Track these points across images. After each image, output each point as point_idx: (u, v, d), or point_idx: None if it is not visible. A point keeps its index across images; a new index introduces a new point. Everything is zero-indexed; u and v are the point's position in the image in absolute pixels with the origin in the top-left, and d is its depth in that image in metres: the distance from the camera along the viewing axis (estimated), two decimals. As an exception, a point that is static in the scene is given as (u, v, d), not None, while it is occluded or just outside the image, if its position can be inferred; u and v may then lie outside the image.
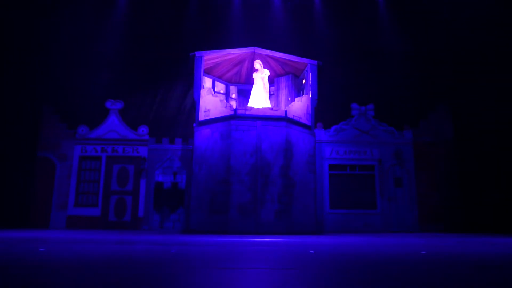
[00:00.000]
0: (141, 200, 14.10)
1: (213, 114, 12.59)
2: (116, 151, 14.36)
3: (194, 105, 13.53)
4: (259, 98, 13.38)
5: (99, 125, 14.51)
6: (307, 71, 13.79)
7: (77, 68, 15.51)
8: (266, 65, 14.32)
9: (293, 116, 12.77)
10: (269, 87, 15.06)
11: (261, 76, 13.63)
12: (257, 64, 13.67)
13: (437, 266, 4.38)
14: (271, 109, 13.20)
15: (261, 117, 12.33)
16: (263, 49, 13.48)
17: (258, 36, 16.83)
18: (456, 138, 14.61)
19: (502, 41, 14.13)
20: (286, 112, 12.57)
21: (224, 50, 13.58)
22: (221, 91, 14.79)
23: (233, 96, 15.14)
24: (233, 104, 14.67)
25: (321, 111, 13.89)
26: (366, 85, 15.81)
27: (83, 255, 5.34)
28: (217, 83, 14.67)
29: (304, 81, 14.29)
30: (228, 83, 14.91)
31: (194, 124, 12.86)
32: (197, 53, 12.99)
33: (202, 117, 12.80)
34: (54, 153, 14.25)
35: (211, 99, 12.82)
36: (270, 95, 15.08)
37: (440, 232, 13.36)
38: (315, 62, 13.54)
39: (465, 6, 14.85)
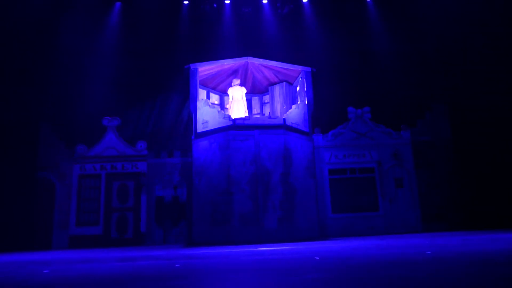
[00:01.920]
0: (143, 215, 14.05)
1: (211, 125, 12.60)
2: (115, 168, 14.34)
3: (191, 117, 13.56)
4: (241, 113, 13.44)
5: (97, 143, 14.49)
6: (301, 78, 13.87)
7: (73, 86, 15.58)
8: (259, 74, 14.39)
9: (291, 123, 12.81)
10: (263, 95, 15.16)
11: (241, 94, 13.81)
12: (236, 81, 13.87)
13: (445, 265, 4.37)
14: (269, 117, 13.28)
15: (260, 126, 12.36)
16: (256, 59, 13.56)
17: (251, 45, 16.95)
18: (454, 136, 14.66)
19: (499, 39, 14.27)
20: (284, 120, 12.62)
21: (218, 61, 13.65)
22: (216, 102, 14.83)
23: (228, 106, 15.19)
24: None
25: (318, 116, 13.94)
26: (362, 87, 15.90)
27: (88, 274, 5.31)
28: (211, 94, 14.71)
29: (298, 88, 14.37)
30: (222, 93, 14.95)
31: (192, 136, 12.85)
32: (192, 65, 13.04)
33: (200, 128, 12.80)
34: (54, 173, 14.21)
35: (209, 111, 12.84)
36: (265, 103, 15.15)
37: (443, 231, 13.32)
38: (309, 69, 13.63)
39: (459, 5, 15.00)
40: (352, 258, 5.81)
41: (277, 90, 14.78)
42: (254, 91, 14.98)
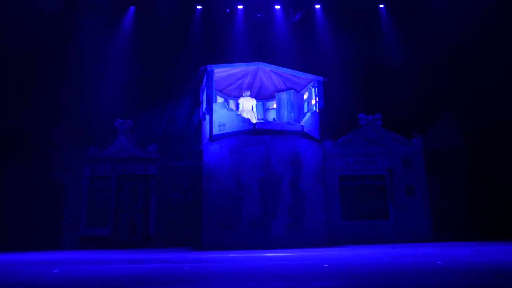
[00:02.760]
0: (152, 218, 14.09)
1: (229, 128, 12.47)
2: (125, 170, 14.41)
3: (202, 121, 13.59)
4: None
5: (108, 145, 14.59)
6: (312, 87, 13.92)
7: (86, 88, 15.77)
8: (267, 80, 14.43)
9: (302, 129, 12.81)
10: (267, 101, 15.19)
11: (252, 104, 14.01)
12: (247, 93, 14.04)
13: (456, 276, 4.30)
14: (288, 123, 13.38)
15: (278, 131, 12.48)
16: (268, 64, 13.56)
17: (262, 51, 17.00)
18: (466, 143, 14.45)
19: (511, 46, 14.12)
20: (302, 126, 12.83)
21: (232, 64, 13.66)
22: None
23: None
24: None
25: (329, 122, 13.89)
26: (373, 94, 15.81)
27: (96, 275, 5.34)
28: (217, 97, 14.72)
29: (306, 95, 14.47)
30: (227, 97, 14.94)
31: (208, 139, 12.67)
32: (208, 67, 12.84)
33: (216, 131, 12.60)
34: (65, 174, 14.32)
35: (226, 113, 12.75)
36: (268, 109, 15.17)
37: (455, 240, 13.11)
38: (321, 78, 13.67)
39: (471, 12, 14.89)
40: (361, 266, 5.75)
41: (285, 97, 14.79)
42: (258, 97, 14.92)
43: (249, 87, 14.54)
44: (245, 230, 11.80)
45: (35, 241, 13.37)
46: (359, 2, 17.69)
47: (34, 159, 13.99)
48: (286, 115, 14.58)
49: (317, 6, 18.29)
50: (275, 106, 15.09)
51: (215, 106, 12.83)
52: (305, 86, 14.44)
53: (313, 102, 13.96)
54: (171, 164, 14.58)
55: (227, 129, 12.52)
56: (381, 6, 18.15)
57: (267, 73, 14.11)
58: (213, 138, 12.57)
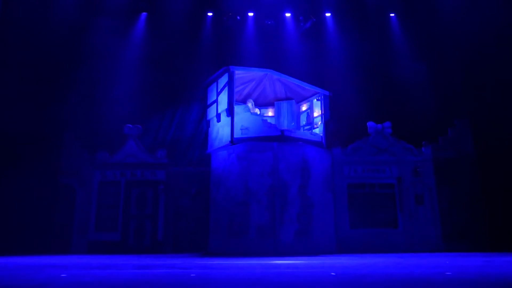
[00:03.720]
0: (160, 223, 14.13)
1: (252, 133, 12.30)
2: (135, 176, 14.50)
3: (218, 121, 13.43)
4: None
5: (118, 151, 14.70)
6: (317, 99, 13.97)
7: (97, 94, 15.96)
8: (271, 87, 14.42)
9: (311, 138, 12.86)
10: (262, 108, 15.08)
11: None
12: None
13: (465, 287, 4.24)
14: (311, 133, 13.47)
15: (304, 140, 12.73)
16: (277, 73, 13.51)
17: (271, 57, 17.08)
18: (477, 153, 14.28)
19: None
20: (322, 137, 13.19)
21: (249, 68, 13.49)
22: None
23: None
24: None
25: (338, 129, 13.90)
26: (383, 103, 15.75)
27: (104, 280, 5.36)
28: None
29: (304, 107, 14.64)
30: None
31: (229, 142, 12.29)
32: (231, 67, 12.67)
33: (238, 134, 12.28)
34: (75, 179, 14.45)
35: (250, 117, 12.58)
36: (268, 117, 15.07)
37: (465, 251, 12.92)
38: (327, 92, 13.70)
39: (482, 20, 14.80)
40: (369, 276, 5.71)
41: (285, 106, 14.75)
42: (256, 104, 14.85)
43: (250, 94, 14.52)
44: (253, 237, 11.79)
45: (45, 245, 13.50)
46: (369, 11, 17.68)
47: (45, 163, 14.17)
48: (286, 124, 14.55)
49: (328, 14, 18.31)
50: (270, 113, 15.03)
51: (237, 109, 12.54)
52: (307, 97, 14.51)
53: (316, 114, 14.05)
54: (180, 170, 14.64)
55: (251, 133, 12.31)
56: (392, 15, 18.12)
57: (273, 81, 14.12)
58: (234, 141, 12.23)
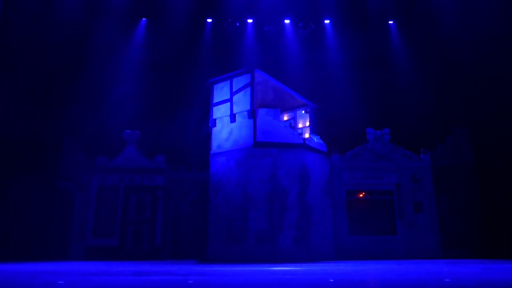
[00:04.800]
0: (158, 229, 14.09)
1: (276, 138, 12.32)
2: (133, 181, 14.49)
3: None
4: None
5: (117, 155, 14.69)
6: (305, 111, 14.07)
7: (97, 98, 15.98)
8: (261, 93, 14.16)
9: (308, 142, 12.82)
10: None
11: None
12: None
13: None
14: (316, 141, 13.49)
15: (312, 148, 12.77)
16: (275, 80, 13.46)
17: (270, 63, 17.03)
18: (475, 160, 14.27)
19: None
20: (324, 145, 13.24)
21: (263, 73, 13.39)
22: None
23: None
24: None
25: (336, 136, 13.91)
26: (382, 109, 15.77)
27: (101, 286, 5.34)
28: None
29: (286, 117, 14.61)
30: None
31: (251, 144, 12.18)
32: (256, 70, 12.63)
33: (261, 138, 12.23)
34: (74, 183, 14.42)
35: (272, 122, 12.48)
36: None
37: (464, 258, 12.88)
38: (314, 105, 13.80)
39: (481, 27, 14.86)
40: (367, 282, 5.68)
41: (264, 113, 14.53)
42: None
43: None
44: (252, 243, 11.74)
45: (43, 251, 13.44)
46: (369, 17, 17.75)
47: (44, 167, 14.14)
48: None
49: (327, 21, 18.38)
50: None
51: (261, 112, 12.43)
52: (293, 108, 14.39)
53: (300, 125, 14.03)
54: (179, 175, 14.63)
55: (274, 139, 12.32)
56: (391, 22, 18.20)
57: (268, 87, 13.91)
58: (257, 143, 12.17)
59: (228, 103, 12.93)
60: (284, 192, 12.15)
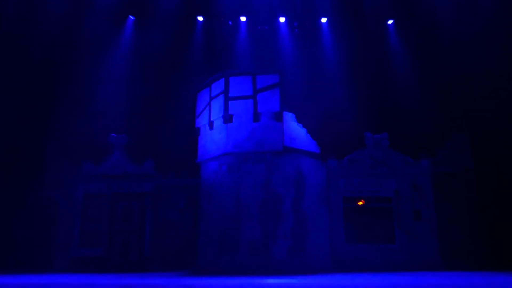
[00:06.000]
0: (147, 239, 13.56)
1: (298, 144, 12.03)
2: (121, 188, 13.92)
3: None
4: None
5: (104, 161, 14.12)
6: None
7: (81, 102, 15.42)
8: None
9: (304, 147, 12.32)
10: None
11: None
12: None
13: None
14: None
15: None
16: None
17: (264, 63, 16.61)
18: (476, 167, 13.85)
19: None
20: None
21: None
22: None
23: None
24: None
25: (333, 141, 13.45)
26: (381, 113, 15.38)
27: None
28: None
29: None
30: None
31: (280, 148, 11.63)
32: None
33: (288, 142, 11.76)
34: (59, 191, 13.82)
35: (296, 128, 12.22)
36: None
37: (465, 269, 12.45)
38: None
39: (481, 31, 14.50)
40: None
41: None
42: None
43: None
44: (245, 253, 11.29)
45: (26, 262, 12.96)
46: (366, 17, 17.23)
47: (27, 175, 13.61)
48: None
49: (324, 20, 17.80)
50: None
51: (286, 116, 11.97)
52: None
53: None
54: (168, 182, 14.08)
55: (297, 145, 12.02)
56: (390, 22, 17.65)
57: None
58: (286, 148, 11.69)
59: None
60: (279, 199, 11.69)
